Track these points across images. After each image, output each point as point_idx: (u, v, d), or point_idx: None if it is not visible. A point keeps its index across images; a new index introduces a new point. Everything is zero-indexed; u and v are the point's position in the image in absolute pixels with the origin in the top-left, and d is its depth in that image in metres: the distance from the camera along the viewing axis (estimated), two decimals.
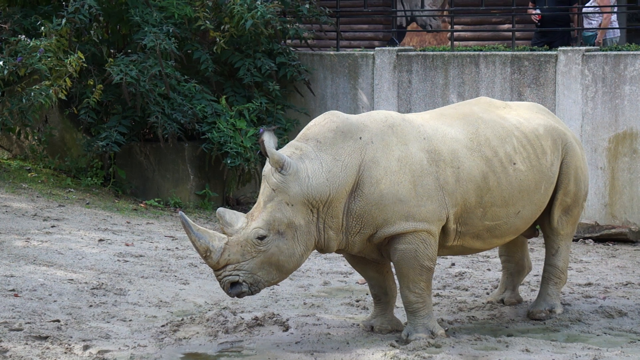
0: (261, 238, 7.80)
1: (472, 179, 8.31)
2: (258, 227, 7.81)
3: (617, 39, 15.41)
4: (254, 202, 14.74)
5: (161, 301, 9.24)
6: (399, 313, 8.80)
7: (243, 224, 7.86)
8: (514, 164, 8.53)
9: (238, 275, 7.83)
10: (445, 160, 8.24)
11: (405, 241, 8.09)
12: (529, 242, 11.66)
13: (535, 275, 10.39)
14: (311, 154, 7.95)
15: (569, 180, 8.99)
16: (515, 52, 14.01)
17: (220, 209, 7.95)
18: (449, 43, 15.40)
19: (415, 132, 8.28)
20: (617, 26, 15.57)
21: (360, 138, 8.09)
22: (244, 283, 7.85)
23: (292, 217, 7.85)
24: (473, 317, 9.05)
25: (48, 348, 7.74)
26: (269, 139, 7.94)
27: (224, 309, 8.97)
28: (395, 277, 8.46)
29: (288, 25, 15.11)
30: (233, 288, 7.85)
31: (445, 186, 8.19)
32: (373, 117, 8.32)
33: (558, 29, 15.44)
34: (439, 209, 8.15)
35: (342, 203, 7.99)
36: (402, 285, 8.21)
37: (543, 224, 9.13)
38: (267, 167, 7.92)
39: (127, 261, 10.48)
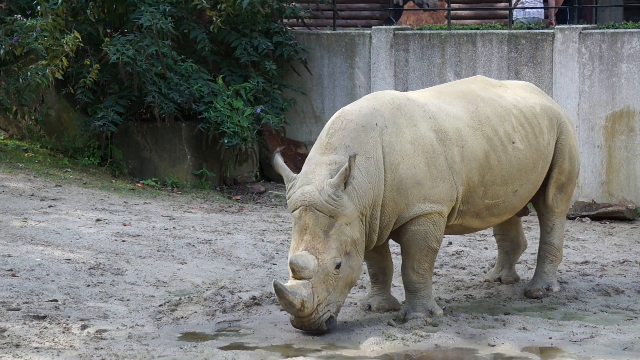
0: (338, 266, 7.69)
1: (476, 157, 8.30)
2: (334, 257, 7.65)
3: (537, 21, 15.47)
4: (251, 182, 14.82)
5: (159, 281, 9.25)
6: (396, 292, 8.83)
7: (315, 261, 7.62)
8: (513, 142, 8.54)
9: (329, 310, 7.73)
10: (451, 139, 8.21)
11: (418, 223, 8.08)
12: (526, 221, 11.69)
13: (532, 254, 10.41)
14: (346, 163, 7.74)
15: (563, 159, 9.00)
16: (512, 31, 13.99)
17: (292, 257, 7.64)
18: (446, 22, 15.36)
19: (421, 111, 8.22)
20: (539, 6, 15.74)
21: (377, 125, 7.97)
22: (334, 314, 7.80)
23: (352, 235, 7.75)
24: (470, 295, 9.07)
25: (46, 327, 7.76)
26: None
27: (221, 288, 8.99)
28: (392, 256, 8.48)
29: (285, 4, 15.06)
30: (329, 323, 7.76)
31: (453, 165, 8.17)
32: (380, 99, 8.19)
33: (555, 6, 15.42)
34: (450, 189, 8.15)
35: (380, 200, 7.92)
36: (407, 265, 8.20)
37: (537, 203, 9.14)
38: (311, 197, 7.65)
39: (125, 241, 10.48)
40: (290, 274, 7.68)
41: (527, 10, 15.64)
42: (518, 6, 15.38)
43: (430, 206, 8.05)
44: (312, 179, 7.75)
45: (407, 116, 8.12)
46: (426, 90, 8.85)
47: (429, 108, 8.28)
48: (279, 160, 7.97)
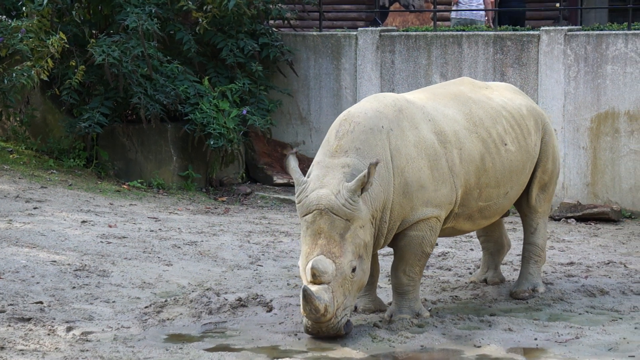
0: (354, 270, 7.61)
1: (472, 160, 8.30)
2: (350, 261, 7.57)
3: (471, 22, 15.67)
4: (237, 183, 14.81)
5: (144, 282, 9.24)
6: (381, 293, 8.83)
7: (333, 266, 7.52)
8: (505, 144, 8.56)
9: (346, 314, 7.66)
10: (450, 142, 8.19)
11: (417, 228, 8.06)
12: (511, 222, 11.72)
13: (517, 255, 10.43)
14: (359, 165, 7.70)
15: (547, 159, 9.06)
16: (497, 32, 14.02)
17: (313, 262, 7.51)
18: (432, 23, 15.38)
19: (421, 113, 8.19)
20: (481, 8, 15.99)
21: (383, 127, 7.92)
22: (350, 318, 7.75)
23: (365, 238, 7.68)
24: (456, 297, 9.08)
25: (31, 330, 7.74)
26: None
27: (207, 290, 8.98)
28: (379, 257, 8.48)
29: (271, 6, 15.06)
30: (346, 327, 7.68)
31: (453, 168, 8.15)
32: (382, 102, 8.13)
33: (542, 8, 15.46)
34: (450, 193, 8.14)
35: (390, 203, 7.89)
36: (399, 268, 8.17)
37: (520, 203, 9.17)
38: (327, 201, 7.56)
39: (110, 242, 10.46)
40: (308, 279, 7.56)
41: (461, 12, 15.96)
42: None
43: (431, 210, 8.04)
44: (326, 182, 7.66)
45: (409, 119, 8.09)
46: (419, 91, 8.82)
47: (428, 110, 8.26)
48: (291, 162, 7.85)
